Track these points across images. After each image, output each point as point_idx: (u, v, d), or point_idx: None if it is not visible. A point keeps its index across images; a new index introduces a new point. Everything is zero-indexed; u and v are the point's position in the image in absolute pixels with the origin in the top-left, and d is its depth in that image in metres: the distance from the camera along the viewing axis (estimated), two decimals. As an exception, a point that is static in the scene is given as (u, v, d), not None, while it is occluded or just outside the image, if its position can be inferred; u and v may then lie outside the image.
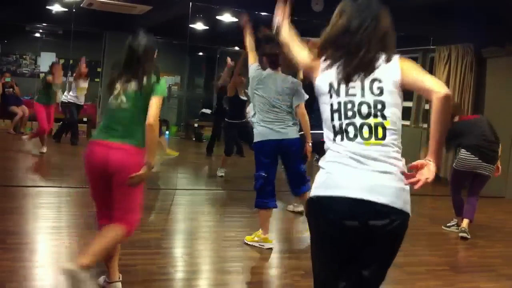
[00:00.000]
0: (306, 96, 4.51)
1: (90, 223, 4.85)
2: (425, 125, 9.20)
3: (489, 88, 8.65)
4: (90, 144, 3.09)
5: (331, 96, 2.10)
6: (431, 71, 9.02)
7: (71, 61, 9.72)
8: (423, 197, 7.41)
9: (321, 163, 2.11)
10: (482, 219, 6.10)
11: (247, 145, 8.99)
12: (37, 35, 12.62)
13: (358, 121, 2.03)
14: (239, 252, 4.38)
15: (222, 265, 3.57)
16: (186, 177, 8.18)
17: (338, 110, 2.06)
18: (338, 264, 2.07)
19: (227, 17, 8.76)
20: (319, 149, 5.77)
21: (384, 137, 2.01)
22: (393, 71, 2.08)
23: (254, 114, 4.51)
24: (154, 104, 2.96)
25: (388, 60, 2.11)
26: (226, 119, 7.98)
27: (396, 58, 2.12)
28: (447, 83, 9.07)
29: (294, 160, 4.62)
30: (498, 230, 6.02)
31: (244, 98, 7.83)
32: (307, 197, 2.12)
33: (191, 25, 8.09)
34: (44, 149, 8.53)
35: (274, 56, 4.41)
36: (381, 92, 2.05)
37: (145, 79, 3.02)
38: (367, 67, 2.09)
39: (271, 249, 4.48)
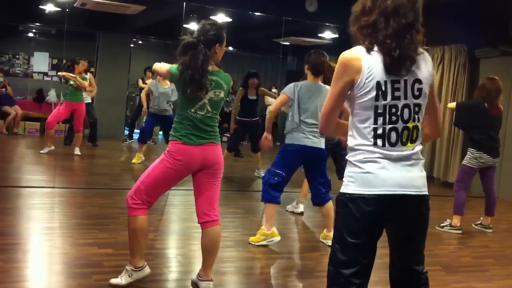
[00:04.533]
0: None
1: (83, 223, 4.85)
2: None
3: (482, 88, 8.67)
4: (179, 146, 3.20)
5: (377, 98, 2.01)
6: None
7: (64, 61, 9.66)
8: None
9: (356, 162, 2.06)
10: (475, 219, 6.13)
11: (245, 146, 9.03)
12: (30, 35, 12.56)
13: (400, 125, 2.04)
14: (233, 253, 4.38)
15: (216, 266, 3.56)
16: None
17: (383, 115, 2.02)
18: (370, 257, 2.09)
19: (221, 17, 8.74)
20: (339, 149, 5.81)
21: (417, 139, 2.09)
22: (429, 73, 2.09)
23: (288, 132, 4.58)
24: None
25: (423, 55, 2.06)
26: (237, 117, 8.20)
27: (428, 57, 2.09)
28: (440, 83, 9.11)
29: (321, 169, 4.68)
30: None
31: (254, 97, 8.00)
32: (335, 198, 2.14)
33: (185, 25, 8.07)
34: (46, 150, 8.51)
35: (319, 64, 4.51)
36: (420, 95, 2.06)
37: (226, 86, 3.26)
38: (412, 57, 2.01)
39: (263, 248, 4.51)
